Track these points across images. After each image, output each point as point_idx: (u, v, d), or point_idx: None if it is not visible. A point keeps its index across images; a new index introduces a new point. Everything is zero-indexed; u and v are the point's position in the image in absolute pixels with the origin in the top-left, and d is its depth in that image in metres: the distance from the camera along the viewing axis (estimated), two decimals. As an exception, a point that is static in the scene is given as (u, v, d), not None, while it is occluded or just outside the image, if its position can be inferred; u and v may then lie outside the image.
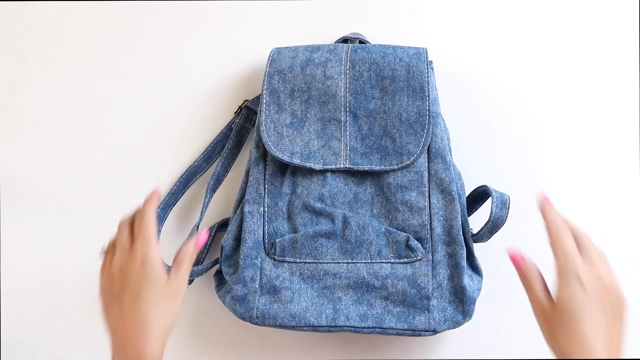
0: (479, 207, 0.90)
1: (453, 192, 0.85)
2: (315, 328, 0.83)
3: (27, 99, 1.00)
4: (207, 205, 0.92)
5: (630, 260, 0.93)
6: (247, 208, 0.87)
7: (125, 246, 0.71)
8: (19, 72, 1.00)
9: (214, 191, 0.94)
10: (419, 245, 0.84)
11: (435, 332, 0.83)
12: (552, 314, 0.63)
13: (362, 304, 0.84)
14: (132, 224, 0.73)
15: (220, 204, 0.96)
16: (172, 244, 0.95)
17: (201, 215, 0.91)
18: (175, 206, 0.96)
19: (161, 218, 0.94)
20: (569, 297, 0.61)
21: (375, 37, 0.97)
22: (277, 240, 0.86)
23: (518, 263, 0.68)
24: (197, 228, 0.90)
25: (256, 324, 0.84)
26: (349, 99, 0.87)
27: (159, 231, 0.93)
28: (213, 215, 0.96)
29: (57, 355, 0.96)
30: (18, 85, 1.00)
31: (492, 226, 0.83)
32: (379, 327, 0.83)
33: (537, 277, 0.67)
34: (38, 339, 0.96)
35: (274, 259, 0.86)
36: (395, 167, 0.86)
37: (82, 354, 0.96)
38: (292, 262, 0.86)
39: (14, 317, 0.96)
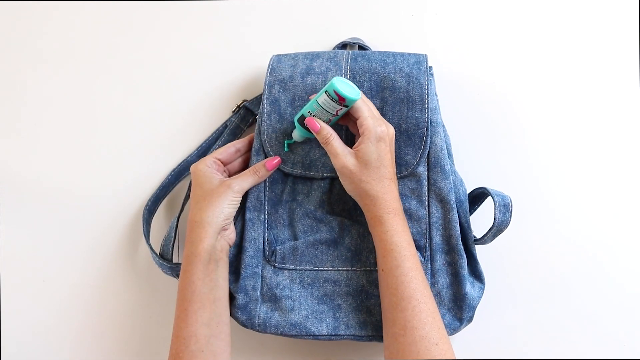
0: (477, 207, 0.91)
1: (451, 202, 0.85)
2: (316, 337, 0.85)
3: (27, 98, 0.99)
4: (189, 198, 0.92)
5: (630, 260, 0.95)
6: (247, 215, 0.87)
7: None
8: (18, 72, 0.99)
9: None
10: (418, 253, 0.85)
11: (433, 338, 0.85)
12: (357, 168, 0.79)
13: (361, 312, 0.85)
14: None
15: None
16: (161, 234, 0.96)
17: (182, 207, 0.92)
18: (166, 199, 0.98)
19: (151, 210, 0.95)
20: (374, 153, 0.79)
21: (375, 37, 0.96)
22: (277, 247, 0.87)
23: (315, 127, 0.81)
24: (177, 220, 0.90)
25: (258, 331, 0.85)
26: None
27: (149, 223, 0.94)
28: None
29: (57, 355, 0.97)
30: (19, 86, 0.99)
31: (497, 231, 0.84)
32: (378, 335, 0.84)
33: (337, 139, 0.81)
34: (38, 339, 0.97)
35: (274, 266, 0.87)
36: None
37: (82, 354, 0.97)
38: (292, 270, 0.86)
39: (14, 317, 0.97)
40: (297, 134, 0.85)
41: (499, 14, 0.97)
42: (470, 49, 0.97)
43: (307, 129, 0.83)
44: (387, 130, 0.80)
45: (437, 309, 0.78)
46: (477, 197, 0.90)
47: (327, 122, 0.81)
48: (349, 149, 0.80)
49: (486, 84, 0.96)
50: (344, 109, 0.80)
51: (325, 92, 0.79)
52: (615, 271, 0.95)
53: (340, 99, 0.78)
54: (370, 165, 0.79)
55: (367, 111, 0.79)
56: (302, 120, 0.83)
